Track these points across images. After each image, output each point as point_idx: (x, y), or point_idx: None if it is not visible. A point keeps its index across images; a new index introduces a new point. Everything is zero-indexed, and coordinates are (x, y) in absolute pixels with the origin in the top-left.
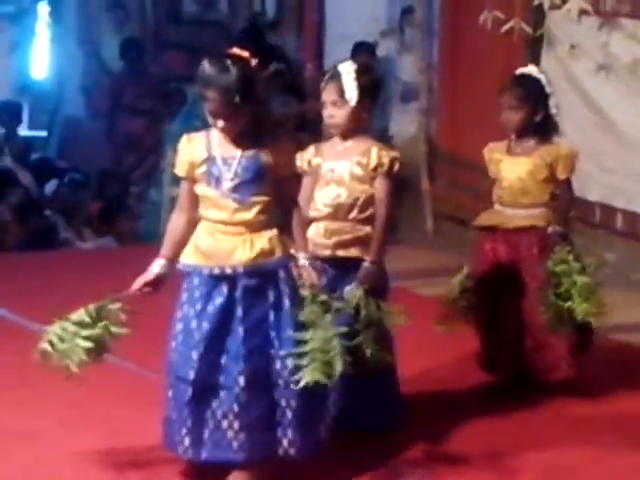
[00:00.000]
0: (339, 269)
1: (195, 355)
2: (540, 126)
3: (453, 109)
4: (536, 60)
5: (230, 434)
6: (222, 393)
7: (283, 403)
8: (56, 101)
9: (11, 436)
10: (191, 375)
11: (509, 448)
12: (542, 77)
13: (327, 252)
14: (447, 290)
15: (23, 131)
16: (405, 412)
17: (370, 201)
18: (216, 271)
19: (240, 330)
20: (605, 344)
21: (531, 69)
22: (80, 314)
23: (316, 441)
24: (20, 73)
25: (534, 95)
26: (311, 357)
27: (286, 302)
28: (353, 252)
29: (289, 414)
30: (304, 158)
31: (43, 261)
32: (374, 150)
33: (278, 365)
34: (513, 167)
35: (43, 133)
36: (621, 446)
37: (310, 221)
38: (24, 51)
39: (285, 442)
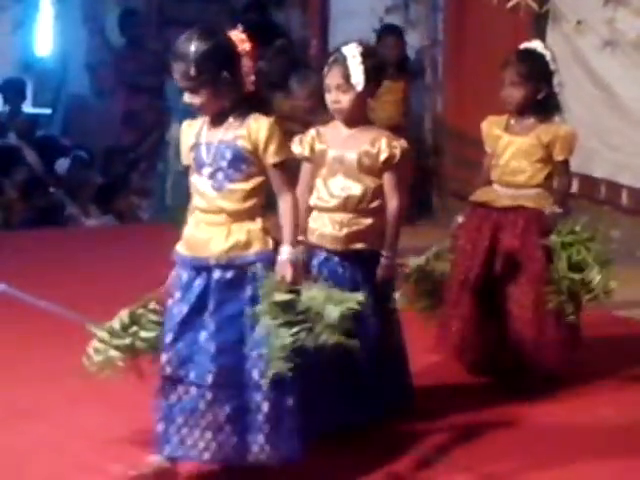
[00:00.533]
0: (347, 261)
1: (166, 342)
2: (541, 104)
3: (459, 85)
4: (541, 36)
5: (196, 432)
6: (191, 388)
7: (253, 406)
8: (60, 78)
9: (17, 414)
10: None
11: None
12: (547, 53)
13: (338, 245)
14: (410, 268)
15: (27, 108)
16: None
17: (378, 192)
18: (194, 261)
19: (211, 325)
20: (611, 320)
21: (536, 44)
22: (114, 321)
23: (290, 448)
24: (24, 50)
25: (538, 72)
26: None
27: (258, 300)
28: (361, 245)
29: (260, 418)
30: (305, 142)
31: (48, 238)
32: (384, 141)
33: (248, 365)
34: (509, 145)
35: (47, 110)
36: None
37: (310, 209)
38: (28, 28)
39: (255, 448)
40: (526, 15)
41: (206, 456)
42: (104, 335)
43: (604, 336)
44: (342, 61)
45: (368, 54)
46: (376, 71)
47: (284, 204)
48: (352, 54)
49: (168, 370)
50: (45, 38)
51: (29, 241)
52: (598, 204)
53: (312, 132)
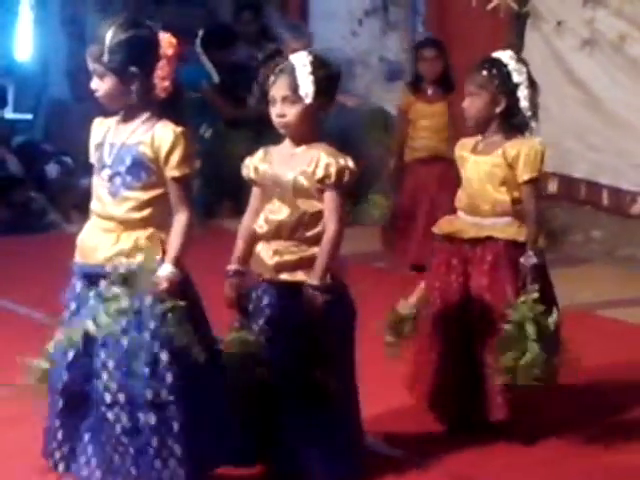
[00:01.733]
0: (284, 294)
1: (64, 363)
2: (507, 120)
3: None
4: (521, 37)
5: (90, 449)
6: (91, 406)
7: (141, 426)
8: (41, 83)
9: None
10: (60, 385)
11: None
12: (512, 63)
13: (271, 275)
14: (393, 313)
15: (8, 114)
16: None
17: (319, 217)
18: (84, 268)
19: (98, 340)
20: (592, 319)
21: (503, 54)
22: (50, 345)
23: (180, 475)
24: (4, 55)
25: (496, 82)
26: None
27: (145, 315)
28: (299, 276)
29: (144, 440)
30: (251, 163)
31: (28, 244)
32: (322, 158)
33: (135, 382)
34: (473, 167)
35: (28, 116)
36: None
37: (257, 237)
38: (7, 33)
39: (147, 471)
40: (506, 16)
41: (100, 476)
42: (41, 363)
43: (584, 336)
44: (290, 71)
45: (320, 64)
46: (328, 83)
47: (176, 222)
48: (302, 63)
49: (73, 388)
50: (25, 43)
51: (9, 247)
52: (578, 204)
53: (260, 152)
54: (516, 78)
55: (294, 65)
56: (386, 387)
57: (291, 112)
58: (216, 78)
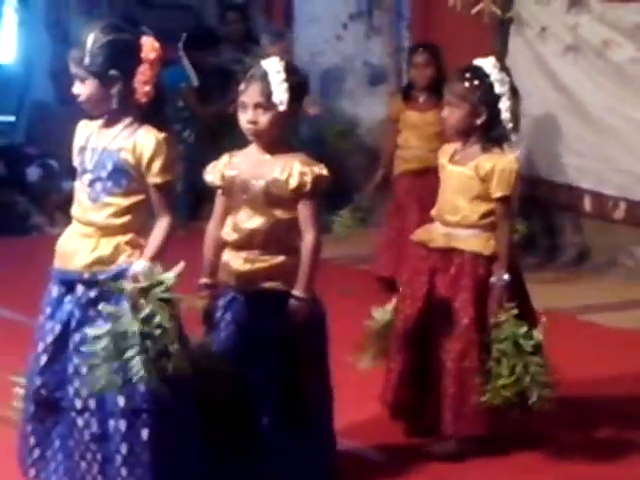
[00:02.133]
0: (255, 303)
1: (37, 368)
2: (486, 132)
3: None
4: (504, 42)
5: (59, 456)
6: (65, 412)
7: (111, 434)
8: (24, 85)
9: None
10: (32, 389)
11: None
12: (495, 72)
13: (242, 283)
14: (371, 324)
15: None
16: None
17: (292, 226)
18: (61, 275)
19: (71, 346)
20: (573, 324)
21: (486, 62)
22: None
23: None
24: None
25: (477, 93)
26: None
27: None
28: (269, 284)
29: (113, 448)
30: (216, 169)
31: (11, 246)
32: (296, 167)
33: None
34: (448, 176)
35: (11, 118)
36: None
37: (223, 246)
38: None
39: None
40: (490, 21)
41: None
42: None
43: (566, 340)
44: (262, 77)
45: (292, 71)
46: (300, 90)
47: (157, 226)
48: (275, 69)
49: (43, 393)
50: (8, 45)
51: None
52: (560, 209)
53: (225, 157)
54: (498, 89)
55: (267, 71)
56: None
57: (264, 119)
58: (195, 81)
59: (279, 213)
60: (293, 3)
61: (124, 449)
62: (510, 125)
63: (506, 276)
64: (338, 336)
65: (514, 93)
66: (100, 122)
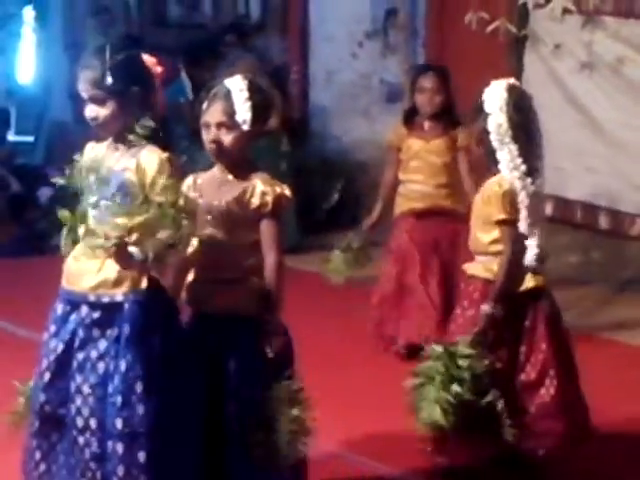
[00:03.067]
0: (226, 326)
1: (41, 384)
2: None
3: None
4: (519, 60)
5: (63, 472)
6: (67, 429)
7: (110, 455)
8: (43, 106)
9: None
10: (36, 405)
11: None
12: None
13: (205, 307)
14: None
15: (10, 136)
16: None
17: (255, 247)
18: (67, 295)
19: (74, 365)
20: (592, 341)
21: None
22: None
23: None
24: (6, 78)
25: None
26: None
27: (123, 344)
28: (239, 309)
29: (110, 469)
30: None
31: (32, 267)
32: (258, 186)
33: (108, 410)
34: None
35: (30, 138)
36: None
37: (188, 267)
38: (10, 56)
39: None
40: (505, 39)
41: None
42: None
43: (585, 358)
44: (226, 95)
45: (255, 89)
46: (263, 109)
47: None
48: (238, 87)
49: (47, 409)
50: (27, 66)
51: (13, 270)
52: (575, 227)
53: (189, 179)
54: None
55: (230, 89)
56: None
57: (227, 139)
58: (190, 95)
59: (242, 234)
60: (309, 22)
61: (121, 471)
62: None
63: (486, 307)
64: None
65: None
66: (106, 143)
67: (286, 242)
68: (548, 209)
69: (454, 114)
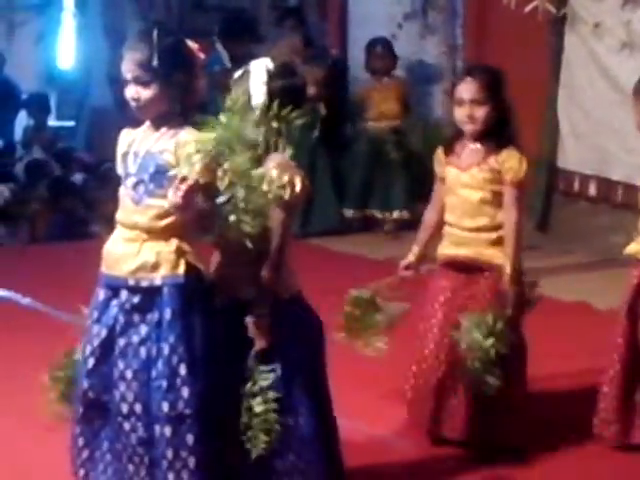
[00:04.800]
0: (233, 313)
1: (84, 370)
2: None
3: None
4: (559, 39)
5: (115, 462)
6: (111, 415)
7: (157, 439)
8: (83, 91)
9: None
10: (80, 392)
11: None
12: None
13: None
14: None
15: (51, 122)
16: None
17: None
18: (107, 279)
19: (116, 351)
20: None
21: None
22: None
23: None
24: (47, 64)
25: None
26: None
27: (165, 328)
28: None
29: (160, 452)
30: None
31: (71, 252)
32: (273, 173)
33: (153, 395)
34: None
35: (71, 123)
36: None
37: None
38: (50, 42)
39: None
40: (544, 19)
41: None
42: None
43: None
44: (245, 79)
45: (279, 74)
46: (287, 96)
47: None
48: (258, 71)
49: (91, 395)
50: (67, 51)
51: (54, 254)
52: (616, 207)
53: None
54: None
55: (250, 72)
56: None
57: None
58: (228, 63)
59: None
60: (347, 4)
61: (170, 454)
62: None
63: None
64: None
65: None
66: (144, 128)
67: (323, 224)
68: (591, 189)
69: (507, 133)
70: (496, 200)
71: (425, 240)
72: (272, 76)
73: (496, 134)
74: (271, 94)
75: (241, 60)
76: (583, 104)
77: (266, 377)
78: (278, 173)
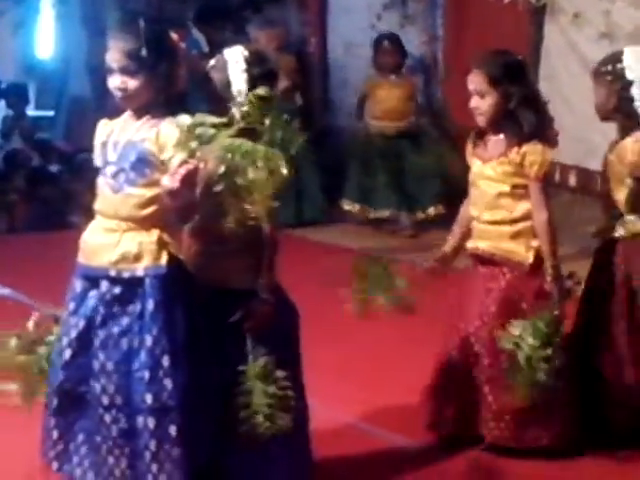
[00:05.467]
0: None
1: (60, 362)
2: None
3: (458, 80)
4: (539, 29)
5: (92, 454)
6: (86, 407)
7: (139, 430)
8: (62, 81)
9: None
10: (55, 383)
11: None
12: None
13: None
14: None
15: (30, 111)
16: None
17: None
18: (86, 271)
19: (96, 341)
20: None
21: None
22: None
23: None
24: (25, 53)
25: (618, 81)
26: None
27: (147, 319)
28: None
29: (142, 444)
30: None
31: (50, 242)
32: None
33: (134, 386)
34: None
35: (50, 113)
36: None
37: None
38: (29, 31)
39: (144, 474)
40: (524, 9)
41: (92, 477)
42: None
43: None
44: (222, 67)
45: (255, 61)
46: (264, 81)
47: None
48: (235, 59)
49: (67, 387)
50: (46, 40)
51: (31, 245)
52: (597, 198)
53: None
54: (630, 76)
55: (227, 60)
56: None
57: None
58: (205, 48)
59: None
60: None
61: (153, 445)
62: None
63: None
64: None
65: None
66: (124, 117)
67: (308, 215)
68: (571, 180)
69: (528, 123)
70: (516, 193)
71: (459, 233)
72: (250, 63)
73: (516, 125)
74: (251, 80)
75: (219, 46)
76: (562, 94)
77: (265, 359)
78: (263, 160)
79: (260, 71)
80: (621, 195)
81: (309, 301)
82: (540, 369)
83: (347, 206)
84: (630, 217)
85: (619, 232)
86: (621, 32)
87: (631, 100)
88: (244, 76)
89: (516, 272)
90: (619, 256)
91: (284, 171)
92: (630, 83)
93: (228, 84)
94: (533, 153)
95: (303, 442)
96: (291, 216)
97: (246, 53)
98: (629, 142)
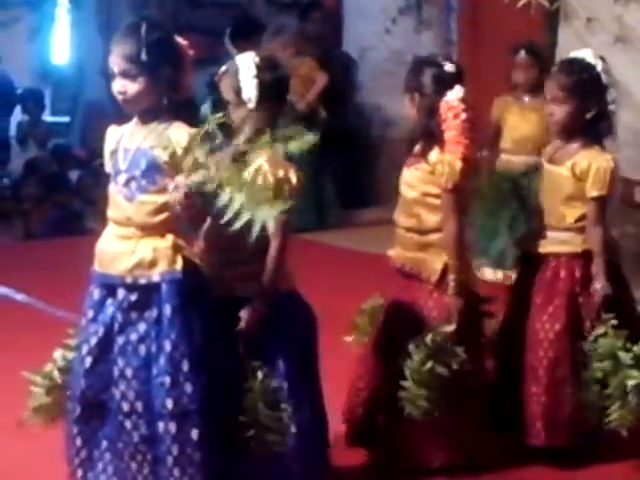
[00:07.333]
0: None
1: (81, 370)
2: (590, 127)
3: (474, 85)
4: (553, 34)
5: (116, 461)
6: (109, 414)
7: (160, 436)
8: (78, 86)
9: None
10: (77, 391)
11: None
12: (599, 63)
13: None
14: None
15: (46, 117)
16: None
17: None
18: (103, 278)
19: (115, 349)
20: None
21: (585, 53)
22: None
23: None
24: (41, 59)
25: (585, 85)
26: None
27: (165, 325)
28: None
29: (164, 449)
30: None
31: (66, 248)
32: (265, 167)
33: (154, 392)
34: (546, 177)
35: (66, 119)
36: None
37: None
38: (44, 37)
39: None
40: (537, 13)
41: None
42: (38, 380)
43: None
44: (234, 73)
45: (266, 66)
46: (276, 87)
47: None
48: (246, 65)
49: (89, 395)
50: (62, 47)
51: (50, 250)
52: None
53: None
54: (605, 80)
55: (238, 66)
56: None
57: (235, 117)
58: None
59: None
60: None
61: (175, 450)
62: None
63: (602, 285)
64: None
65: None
66: (131, 123)
67: (325, 220)
68: None
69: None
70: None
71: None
72: (261, 69)
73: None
74: (262, 87)
75: None
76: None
77: (262, 374)
78: (271, 168)
79: (271, 77)
80: None
81: (327, 306)
82: (418, 384)
83: (489, 275)
84: None
85: None
86: (635, 36)
87: None
88: (255, 82)
89: (424, 285)
90: None
91: (294, 179)
92: None
93: (239, 90)
94: (443, 162)
95: (319, 450)
96: (312, 220)
97: (257, 59)
98: None
